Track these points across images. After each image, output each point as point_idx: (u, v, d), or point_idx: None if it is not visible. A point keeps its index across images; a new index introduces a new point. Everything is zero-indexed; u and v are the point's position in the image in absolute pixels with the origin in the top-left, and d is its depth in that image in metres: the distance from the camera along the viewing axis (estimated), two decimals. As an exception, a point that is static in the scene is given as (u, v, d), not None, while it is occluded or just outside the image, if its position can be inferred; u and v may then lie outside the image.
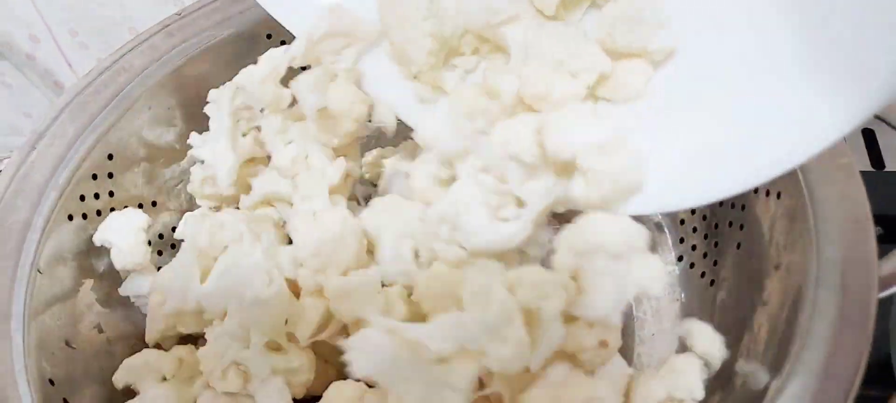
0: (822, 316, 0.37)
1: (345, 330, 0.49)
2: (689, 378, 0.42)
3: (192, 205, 0.58)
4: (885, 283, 0.38)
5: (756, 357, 0.40)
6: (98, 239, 0.52)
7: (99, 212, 0.54)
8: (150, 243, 0.54)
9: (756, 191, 0.47)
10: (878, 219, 0.40)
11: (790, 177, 0.43)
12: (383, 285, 0.46)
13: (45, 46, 0.88)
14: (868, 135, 0.70)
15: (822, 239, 0.40)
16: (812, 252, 0.39)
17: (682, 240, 0.55)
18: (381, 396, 0.45)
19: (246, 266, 0.42)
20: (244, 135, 0.56)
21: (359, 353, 0.38)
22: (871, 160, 0.68)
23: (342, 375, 0.50)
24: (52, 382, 0.45)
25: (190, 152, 0.56)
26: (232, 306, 0.43)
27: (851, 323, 0.36)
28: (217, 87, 0.54)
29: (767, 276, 0.44)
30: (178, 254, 0.50)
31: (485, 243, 0.42)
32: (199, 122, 0.55)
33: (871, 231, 0.39)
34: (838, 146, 0.43)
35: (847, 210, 0.40)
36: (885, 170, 0.68)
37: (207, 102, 0.54)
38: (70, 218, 0.52)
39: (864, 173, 0.67)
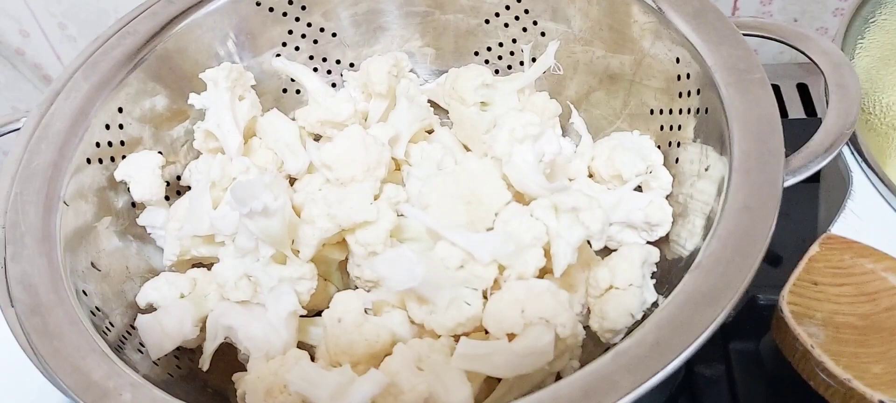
0: (736, 196, 0.45)
1: (342, 246, 0.56)
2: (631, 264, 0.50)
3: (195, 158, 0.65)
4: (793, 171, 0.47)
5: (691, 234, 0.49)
6: (119, 175, 0.58)
7: (112, 158, 0.60)
8: (166, 184, 0.61)
9: (688, 110, 0.56)
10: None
11: (713, 93, 0.52)
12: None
13: (34, 41, 0.93)
14: (802, 89, 0.80)
15: (736, 136, 0.48)
16: (729, 147, 0.48)
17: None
18: (382, 301, 0.52)
19: (256, 182, 0.48)
20: (241, 99, 0.63)
21: (395, 270, 0.46)
22: (805, 110, 0.78)
23: (341, 291, 0.57)
24: (85, 293, 0.51)
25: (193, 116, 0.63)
26: (244, 220, 0.50)
27: (762, 201, 0.44)
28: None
29: (701, 178, 0.53)
30: (192, 188, 0.57)
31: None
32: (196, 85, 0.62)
33: (778, 128, 0.48)
34: (752, 65, 0.52)
35: (760, 113, 0.49)
36: (788, 118, 0.79)
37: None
38: (88, 161, 0.58)
39: (797, 120, 0.77)
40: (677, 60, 0.57)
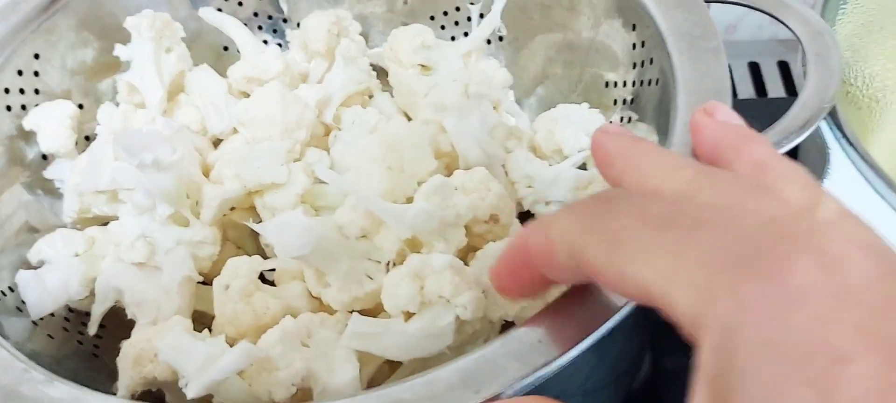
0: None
1: (253, 212, 0.52)
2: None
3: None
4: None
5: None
6: (28, 124, 0.54)
7: (24, 107, 0.56)
8: (86, 139, 0.57)
9: (642, 82, 0.50)
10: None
11: (666, 62, 0.47)
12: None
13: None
14: (753, 68, 0.76)
15: (681, 109, 0.43)
16: (675, 119, 0.43)
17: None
18: (285, 270, 0.48)
19: (151, 133, 0.44)
20: (168, 51, 0.59)
21: (283, 235, 0.41)
22: (755, 89, 0.73)
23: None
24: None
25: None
26: (138, 175, 0.46)
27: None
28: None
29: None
30: (94, 140, 0.53)
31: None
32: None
33: (727, 102, 0.42)
34: (708, 32, 0.47)
35: (709, 84, 0.43)
36: (768, 97, 0.74)
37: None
38: (-6, 106, 0.54)
39: (749, 100, 0.73)
40: (633, 27, 0.52)
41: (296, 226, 0.41)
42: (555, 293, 0.43)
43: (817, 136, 0.47)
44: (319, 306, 0.45)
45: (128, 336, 0.49)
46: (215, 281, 0.45)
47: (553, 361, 0.33)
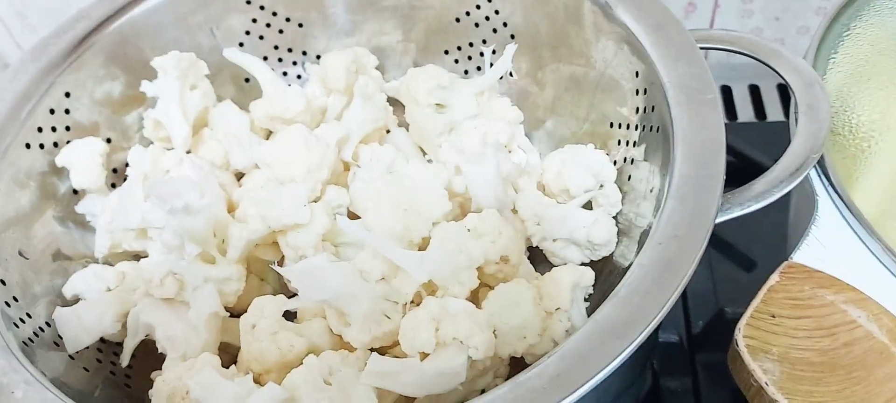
0: (667, 223, 0.42)
1: (275, 247, 0.55)
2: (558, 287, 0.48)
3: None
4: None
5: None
6: (60, 161, 0.57)
7: (56, 144, 0.59)
8: (113, 171, 0.60)
9: (645, 127, 0.53)
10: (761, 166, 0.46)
11: (665, 111, 0.49)
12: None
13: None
14: (753, 90, 0.78)
15: (678, 159, 0.45)
16: (674, 169, 0.45)
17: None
18: (308, 308, 0.51)
19: (181, 180, 0.47)
20: (192, 88, 0.62)
21: (308, 279, 0.44)
22: (755, 112, 0.75)
23: (276, 292, 0.56)
24: (2, 282, 0.50)
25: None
26: (168, 218, 0.49)
27: (691, 230, 0.42)
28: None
29: (646, 199, 0.50)
30: (126, 180, 0.56)
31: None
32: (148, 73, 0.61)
33: (721, 155, 0.45)
34: (706, 85, 0.49)
35: (705, 136, 0.46)
36: (767, 120, 0.76)
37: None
38: (27, 146, 0.57)
39: (748, 124, 0.76)
40: (636, 74, 0.54)
41: (319, 271, 0.44)
42: (560, 332, 0.46)
43: (806, 183, 0.49)
44: (340, 342, 0.48)
45: (157, 367, 0.52)
46: (242, 320, 0.48)
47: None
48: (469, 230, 0.48)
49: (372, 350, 0.47)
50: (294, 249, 0.51)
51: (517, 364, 0.48)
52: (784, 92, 0.82)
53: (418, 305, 0.46)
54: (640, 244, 0.46)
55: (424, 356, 0.44)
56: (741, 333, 0.41)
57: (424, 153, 0.63)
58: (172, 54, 0.60)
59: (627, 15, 0.54)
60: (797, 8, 0.82)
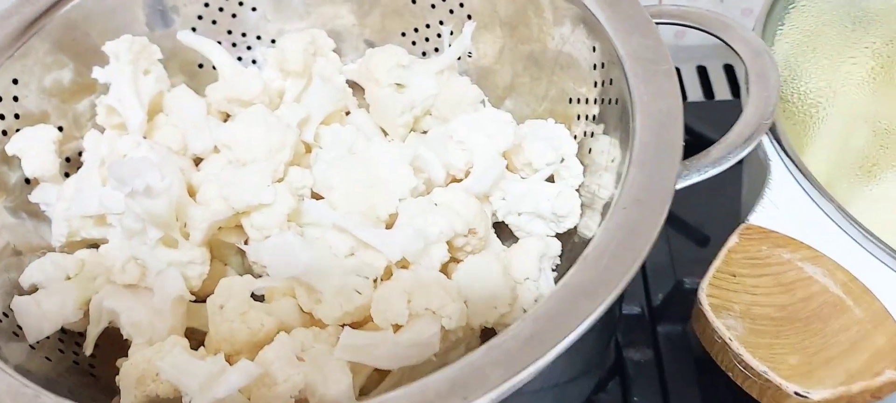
0: (630, 188, 0.44)
1: (238, 230, 0.54)
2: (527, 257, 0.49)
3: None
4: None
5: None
6: (10, 149, 0.55)
7: (5, 132, 0.57)
8: (66, 161, 0.58)
9: (603, 100, 0.54)
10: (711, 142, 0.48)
11: (623, 83, 0.50)
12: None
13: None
14: (701, 71, 0.80)
15: (638, 128, 0.47)
16: (634, 138, 0.46)
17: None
18: (275, 287, 0.50)
19: (141, 161, 0.46)
20: (146, 73, 0.61)
21: (277, 257, 0.44)
22: (703, 92, 0.78)
23: (240, 274, 0.55)
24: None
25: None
26: (128, 201, 0.48)
27: (654, 194, 0.43)
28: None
29: (607, 170, 0.51)
30: (82, 166, 0.54)
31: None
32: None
33: (679, 122, 0.46)
34: (661, 56, 0.51)
35: (662, 105, 0.47)
36: (715, 99, 0.79)
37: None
38: (-25, 134, 0.55)
39: (697, 103, 0.78)
40: (593, 49, 0.56)
41: (289, 248, 0.44)
42: (529, 301, 0.47)
43: (759, 150, 0.51)
44: (310, 320, 0.48)
45: (122, 354, 0.51)
46: (209, 301, 0.48)
47: (532, 364, 0.36)
48: (436, 204, 0.49)
49: (343, 326, 0.47)
50: (259, 230, 0.51)
51: (488, 336, 0.49)
52: (731, 72, 0.84)
53: (389, 279, 0.46)
54: (603, 214, 0.47)
55: (397, 328, 0.44)
56: (705, 293, 0.43)
57: (386, 133, 0.63)
58: (125, 38, 0.58)
59: (583, -10, 0.56)
60: None
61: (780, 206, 0.47)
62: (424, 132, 0.63)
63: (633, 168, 0.44)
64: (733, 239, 0.45)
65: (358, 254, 0.46)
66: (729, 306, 0.43)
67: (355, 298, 0.46)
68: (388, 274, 0.46)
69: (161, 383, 0.43)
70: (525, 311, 0.48)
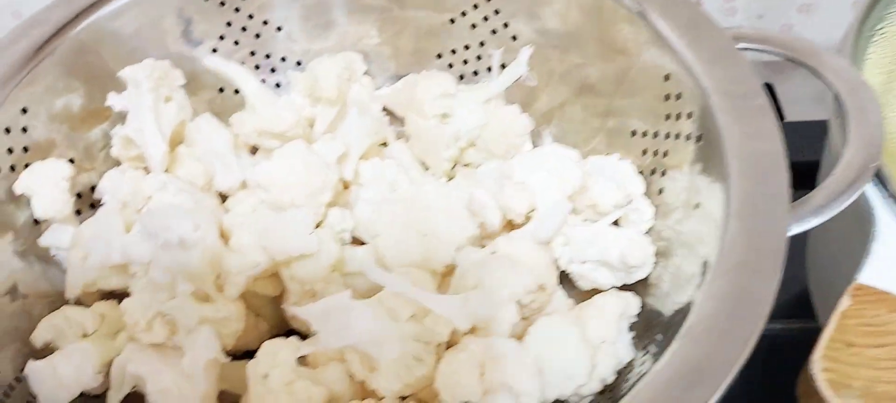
0: (734, 247, 0.38)
1: (275, 280, 0.49)
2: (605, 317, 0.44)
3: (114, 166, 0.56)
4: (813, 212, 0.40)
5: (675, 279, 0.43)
6: (19, 188, 0.50)
7: (13, 167, 0.52)
8: (78, 196, 0.53)
9: (678, 135, 0.49)
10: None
11: (709, 119, 0.45)
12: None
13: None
14: (768, 90, 0.75)
15: (734, 174, 0.41)
16: (727, 186, 0.41)
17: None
18: (318, 351, 0.45)
19: (172, 209, 0.41)
20: (167, 100, 0.55)
21: (331, 322, 0.38)
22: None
23: (274, 328, 0.50)
24: (-38, 336, 0.43)
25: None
26: (157, 252, 0.42)
27: (763, 256, 0.38)
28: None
29: (690, 215, 0.46)
30: (101, 208, 0.49)
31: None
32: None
33: (783, 168, 0.41)
34: (752, 89, 0.45)
35: (760, 146, 0.42)
36: (786, 120, 0.73)
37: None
38: (-19, 171, 0.50)
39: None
40: (667, 78, 0.50)
41: (344, 313, 0.38)
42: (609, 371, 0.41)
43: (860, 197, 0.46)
44: (362, 390, 0.43)
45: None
46: (251, 369, 0.42)
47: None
48: (498, 256, 0.44)
49: (403, 399, 0.41)
50: (300, 283, 0.46)
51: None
52: (770, 92, 0.79)
53: (453, 345, 0.41)
54: (698, 270, 0.42)
55: (467, 405, 0.39)
56: (819, 366, 0.38)
57: (426, 167, 0.58)
58: (146, 63, 0.53)
59: (655, 13, 0.50)
60: (780, 6, 0.80)
61: (890, 262, 0.42)
62: (466, 165, 0.58)
63: (735, 222, 0.39)
64: (845, 302, 0.40)
65: (419, 318, 0.41)
66: (848, 382, 0.38)
67: (415, 368, 0.40)
68: (453, 339, 0.41)
69: (199, 470, 0.38)
70: (603, 382, 0.42)
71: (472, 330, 0.41)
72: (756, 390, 0.49)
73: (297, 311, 0.40)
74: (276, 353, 0.41)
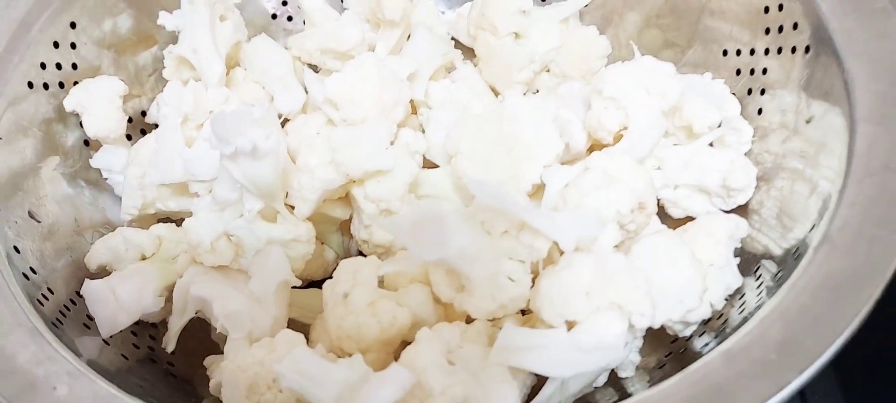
0: (870, 152, 0.35)
1: (345, 203, 0.45)
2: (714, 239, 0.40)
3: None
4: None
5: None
6: (69, 104, 0.47)
7: (61, 84, 0.49)
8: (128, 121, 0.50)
9: (781, 50, 0.45)
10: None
11: (820, 28, 0.41)
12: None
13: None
14: None
15: (859, 79, 0.38)
16: (847, 92, 0.38)
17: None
18: (401, 271, 0.41)
19: (243, 114, 0.37)
20: (222, 19, 0.52)
21: (422, 235, 0.35)
22: None
23: (339, 256, 0.47)
24: (17, 249, 0.40)
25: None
26: (225, 164, 0.39)
27: None
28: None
29: (798, 133, 0.42)
30: (160, 125, 0.46)
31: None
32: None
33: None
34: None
35: (890, 47, 0.38)
36: None
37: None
38: (30, 85, 0.47)
39: None
40: (766, -11, 0.46)
41: (438, 224, 0.35)
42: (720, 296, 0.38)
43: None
44: (444, 313, 0.39)
45: (200, 346, 0.43)
46: (328, 289, 0.39)
47: (799, 375, 0.28)
48: (598, 173, 0.40)
49: (493, 321, 0.38)
50: (375, 202, 0.42)
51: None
52: None
53: (551, 264, 0.37)
54: (813, 189, 0.38)
55: (570, 325, 0.35)
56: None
57: (496, 93, 0.54)
58: (202, -25, 0.49)
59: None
60: None
61: None
62: (537, 91, 0.55)
63: (866, 127, 0.35)
64: None
65: (513, 232, 0.37)
66: None
67: (509, 287, 0.37)
68: (549, 258, 0.37)
69: (279, 391, 0.34)
70: (714, 308, 0.39)
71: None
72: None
73: (384, 224, 0.37)
74: (358, 271, 0.38)
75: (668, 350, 0.41)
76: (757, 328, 0.30)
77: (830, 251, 0.32)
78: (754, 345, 0.29)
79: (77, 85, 0.49)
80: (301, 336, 0.37)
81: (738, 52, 0.49)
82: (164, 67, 0.52)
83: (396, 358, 0.37)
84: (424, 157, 0.48)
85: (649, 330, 0.38)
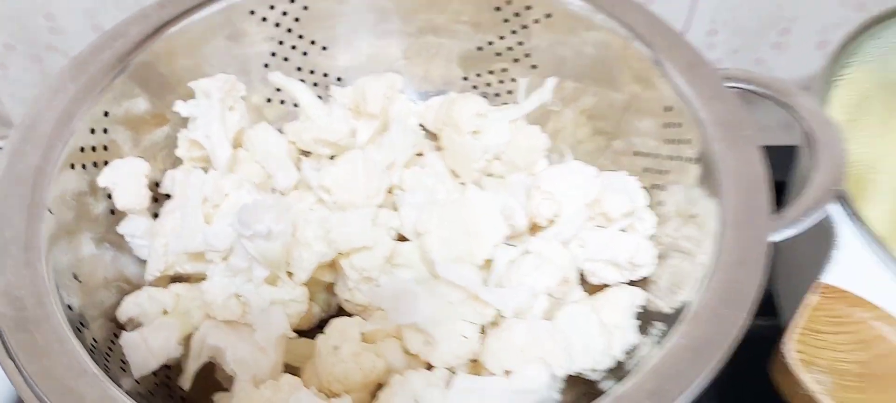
0: (731, 250, 0.47)
1: (331, 268, 0.56)
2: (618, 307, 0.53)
3: (175, 165, 0.64)
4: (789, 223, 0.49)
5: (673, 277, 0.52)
6: (103, 181, 0.56)
7: (95, 163, 0.58)
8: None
9: (678, 157, 0.58)
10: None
11: (706, 146, 0.54)
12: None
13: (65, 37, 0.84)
14: None
15: (727, 192, 0.50)
16: (721, 201, 0.50)
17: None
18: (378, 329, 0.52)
19: (261, 204, 0.48)
20: (231, 109, 0.62)
21: (401, 303, 0.47)
22: None
23: (323, 311, 0.58)
24: (70, 307, 0.50)
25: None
26: (241, 241, 0.49)
27: (752, 256, 0.47)
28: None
29: (687, 223, 0.55)
30: (182, 206, 0.56)
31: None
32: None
33: (765, 187, 0.50)
34: (742, 120, 0.54)
35: (748, 170, 0.51)
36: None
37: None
38: (72, 166, 0.56)
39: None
40: (669, 109, 0.59)
41: (412, 296, 0.46)
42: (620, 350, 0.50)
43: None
44: (413, 361, 0.51)
45: (211, 385, 0.53)
46: (321, 342, 0.50)
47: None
48: (530, 253, 0.52)
49: (449, 369, 0.49)
50: (359, 271, 0.53)
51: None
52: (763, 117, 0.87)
53: (495, 325, 0.49)
54: (694, 270, 0.50)
55: (509, 373, 0.47)
56: (791, 348, 0.46)
57: (456, 176, 0.66)
58: (219, 77, 0.60)
59: (661, 52, 0.59)
60: (754, 43, 0.88)
61: (848, 266, 0.51)
62: (489, 175, 0.67)
63: (730, 231, 0.48)
64: (814, 298, 0.49)
65: (467, 302, 0.49)
66: (815, 361, 0.46)
67: (464, 343, 0.48)
68: (494, 322, 0.49)
69: (285, 425, 0.45)
70: (616, 360, 0.51)
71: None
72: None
73: (372, 296, 0.48)
74: (346, 329, 0.49)
75: (583, 390, 0.52)
76: (640, 378, 0.42)
77: (695, 322, 0.44)
78: (635, 391, 0.41)
79: (107, 164, 0.58)
80: (300, 381, 0.48)
81: (646, 154, 0.62)
82: (176, 146, 0.63)
83: (373, 398, 0.48)
84: (398, 232, 0.59)
85: (568, 376, 0.50)
